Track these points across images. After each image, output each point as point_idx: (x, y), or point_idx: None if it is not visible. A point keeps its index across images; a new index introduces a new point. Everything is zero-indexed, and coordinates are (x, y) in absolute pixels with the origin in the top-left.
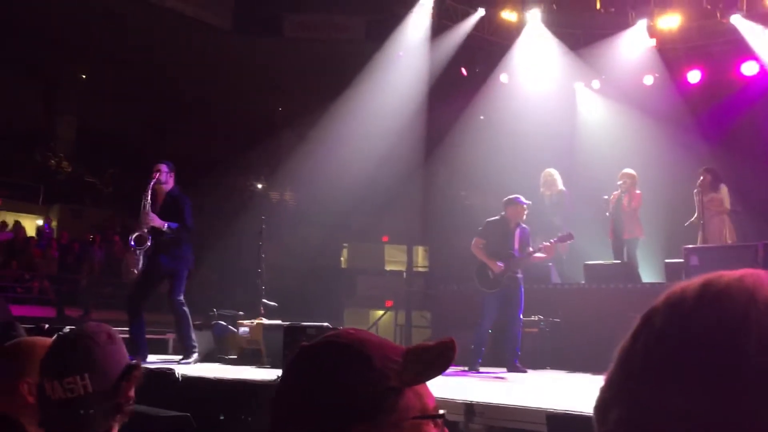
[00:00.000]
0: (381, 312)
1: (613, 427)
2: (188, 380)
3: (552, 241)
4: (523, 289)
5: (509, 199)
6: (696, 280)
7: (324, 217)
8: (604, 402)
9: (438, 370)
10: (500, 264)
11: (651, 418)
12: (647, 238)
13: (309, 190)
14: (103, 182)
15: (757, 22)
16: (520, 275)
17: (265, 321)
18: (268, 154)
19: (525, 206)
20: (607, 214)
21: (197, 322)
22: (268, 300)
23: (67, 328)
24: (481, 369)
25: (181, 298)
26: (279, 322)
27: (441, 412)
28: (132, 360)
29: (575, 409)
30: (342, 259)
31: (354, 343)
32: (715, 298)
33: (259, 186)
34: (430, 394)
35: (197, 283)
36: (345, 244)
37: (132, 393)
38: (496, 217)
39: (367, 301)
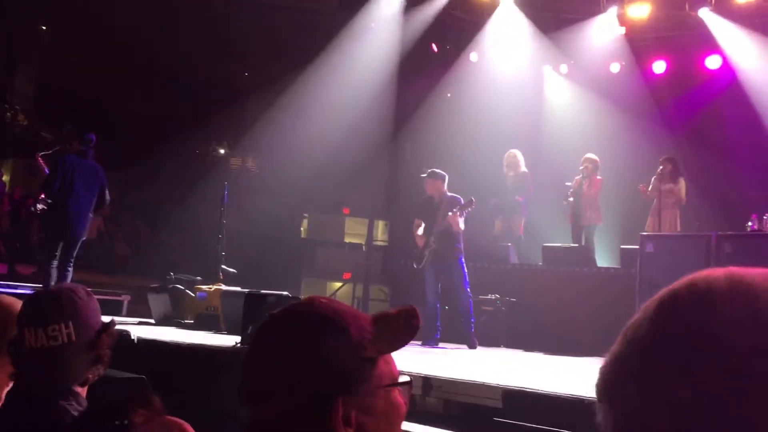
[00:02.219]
0: (339, 284)
1: (624, 405)
2: (145, 343)
3: (454, 210)
4: (462, 264)
5: (425, 174)
6: (720, 271)
7: (286, 186)
8: (611, 380)
9: (407, 337)
10: (419, 235)
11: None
12: (606, 223)
13: (272, 158)
14: (58, 138)
15: (725, 17)
16: (457, 249)
17: (223, 287)
18: (233, 120)
19: (441, 178)
20: (570, 200)
21: (154, 285)
22: (227, 266)
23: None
24: (441, 344)
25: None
26: (238, 288)
27: (408, 379)
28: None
29: (530, 386)
30: (302, 229)
31: (330, 313)
32: (748, 291)
33: (222, 152)
34: (394, 361)
35: (155, 247)
36: (305, 215)
37: (109, 350)
38: (424, 196)
39: (325, 273)
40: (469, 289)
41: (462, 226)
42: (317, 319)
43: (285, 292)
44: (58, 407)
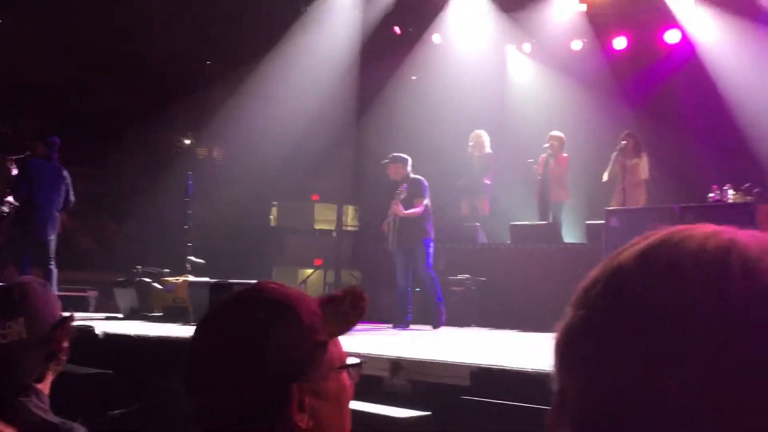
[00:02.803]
0: (310, 270)
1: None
2: (112, 338)
3: (395, 204)
4: (427, 245)
5: (386, 159)
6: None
7: (253, 174)
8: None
9: (356, 319)
10: (387, 222)
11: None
12: (573, 200)
13: (238, 147)
14: (16, 133)
15: None
16: (422, 231)
17: (191, 278)
18: (196, 109)
19: (400, 162)
20: (539, 177)
21: (120, 279)
22: (194, 257)
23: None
24: (412, 326)
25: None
26: (206, 279)
27: (358, 360)
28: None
29: (499, 364)
30: (271, 217)
31: (281, 297)
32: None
33: (187, 142)
34: (341, 343)
35: (121, 241)
36: (274, 203)
37: (66, 344)
38: (391, 181)
39: (296, 260)
40: (432, 270)
41: (410, 210)
42: (267, 304)
43: (254, 281)
44: (17, 404)
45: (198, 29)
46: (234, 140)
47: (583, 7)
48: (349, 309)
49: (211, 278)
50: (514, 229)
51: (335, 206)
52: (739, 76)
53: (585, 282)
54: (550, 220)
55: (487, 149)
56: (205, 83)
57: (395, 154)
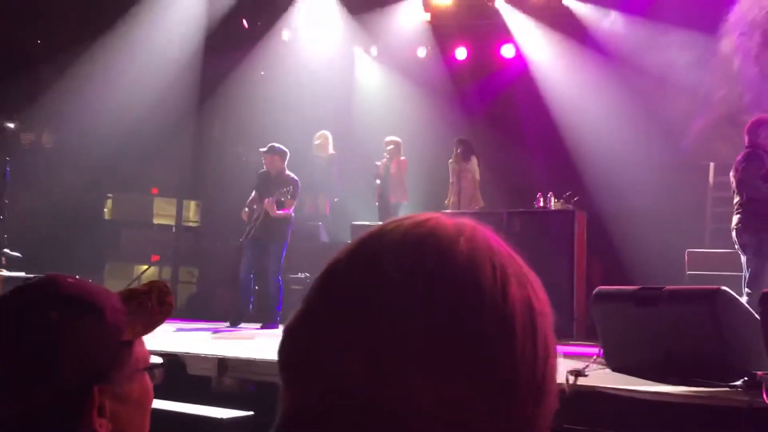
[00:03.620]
0: (145, 267)
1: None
2: None
3: (269, 199)
4: (283, 247)
5: (264, 149)
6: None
7: (87, 163)
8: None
9: (162, 317)
10: (245, 210)
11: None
12: (411, 202)
13: (70, 132)
14: None
15: (518, 9)
16: (280, 232)
17: (5, 273)
18: (23, 90)
19: (278, 154)
20: (378, 181)
21: None
22: (11, 250)
23: None
24: (244, 325)
25: None
26: (22, 274)
27: (161, 360)
28: None
29: None
30: (106, 210)
31: (80, 294)
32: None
33: (11, 125)
34: (143, 342)
35: None
36: (110, 195)
37: None
38: (262, 170)
39: (131, 255)
40: (281, 277)
41: (281, 211)
42: (64, 301)
43: (76, 276)
44: None
45: (26, 6)
46: (66, 125)
47: (428, 16)
48: (155, 305)
49: (28, 273)
50: (355, 228)
51: (175, 200)
52: (565, 92)
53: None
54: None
55: (331, 150)
56: (34, 64)
57: (274, 144)
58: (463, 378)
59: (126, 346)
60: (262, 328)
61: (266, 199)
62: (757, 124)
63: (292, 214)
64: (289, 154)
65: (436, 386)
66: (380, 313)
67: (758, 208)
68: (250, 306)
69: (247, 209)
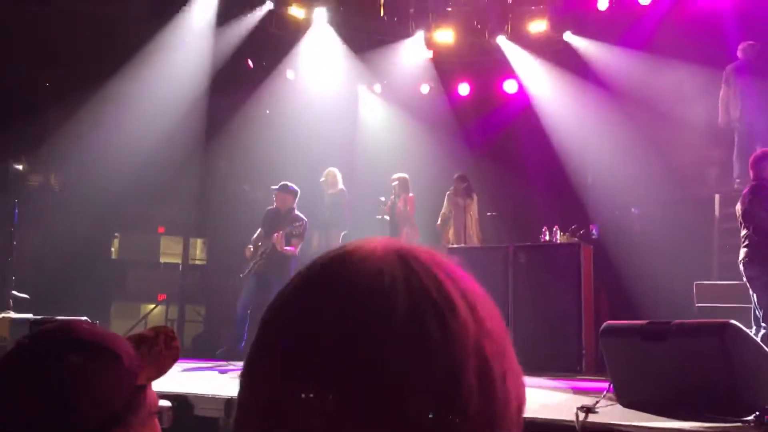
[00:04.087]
0: (152, 306)
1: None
2: None
3: (279, 233)
4: (284, 280)
5: (276, 187)
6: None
7: (94, 204)
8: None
9: (171, 361)
10: (249, 247)
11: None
12: (420, 238)
13: (78, 174)
14: None
15: (519, 44)
16: (283, 269)
17: (13, 315)
18: (31, 133)
19: (291, 193)
20: (386, 217)
21: None
22: (18, 292)
23: None
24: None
25: None
26: (29, 316)
27: (169, 404)
28: None
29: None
30: (113, 249)
31: (99, 339)
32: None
33: (20, 167)
34: (152, 386)
35: None
36: (117, 234)
37: None
38: (272, 207)
39: (138, 295)
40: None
41: (288, 248)
42: (85, 346)
43: (83, 317)
44: None
45: (35, 49)
46: (73, 167)
47: (430, 53)
48: (163, 349)
49: (36, 314)
50: None
51: (182, 239)
52: (568, 126)
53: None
54: None
55: (340, 185)
56: (43, 107)
57: (286, 182)
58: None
59: (141, 390)
60: None
61: (275, 233)
62: (761, 158)
63: (297, 254)
64: (299, 193)
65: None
66: (341, 342)
67: (765, 241)
68: (242, 343)
69: (251, 246)
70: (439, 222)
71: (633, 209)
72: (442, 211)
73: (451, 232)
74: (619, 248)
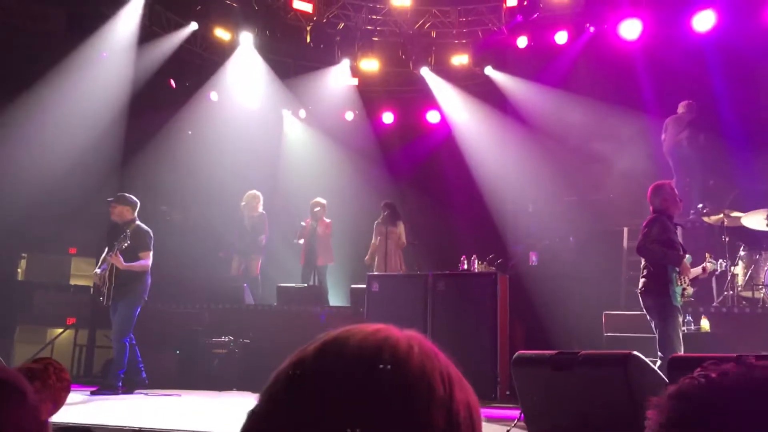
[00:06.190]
0: (59, 330)
1: None
2: None
3: (114, 251)
4: (129, 306)
5: (111, 199)
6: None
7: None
8: None
9: (65, 393)
10: (96, 272)
11: None
12: (336, 263)
13: None
14: None
15: (441, 76)
16: (129, 289)
17: None
18: None
19: (129, 205)
20: (301, 241)
21: None
22: None
23: None
24: (159, 391)
25: None
26: None
27: None
28: None
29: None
30: (19, 270)
31: (2, 375)
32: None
33: None
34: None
35: None
36: (24, 254)
37: None
38: (111, 223)
39: (45, 318)
40: (127, 339)
41: (136, 262)
42: None
43: None
44: None
45: None
46: None
47: (355, 81)
48: (55, 382)
49: None
50: (281, 290)
51: (95, 260)
52: (487, 157)
53: (281, 367)
54: (315, 283)
55: (260, 209)
56: None
57: (124, 193)
58: None
59: (45, 426)
60: (92, 394)
61: (111, 255)
62: (655, 191)
63: (148, 270)
64: (139, 205)
65: None
66: (345, 406)
67: (658, 271)
68: (141, 368)
69: (97, 270)
70: (367, 257)
71: (571, 238)
72: (372, 242)
73: (374, 257)
74: (534, 277)
